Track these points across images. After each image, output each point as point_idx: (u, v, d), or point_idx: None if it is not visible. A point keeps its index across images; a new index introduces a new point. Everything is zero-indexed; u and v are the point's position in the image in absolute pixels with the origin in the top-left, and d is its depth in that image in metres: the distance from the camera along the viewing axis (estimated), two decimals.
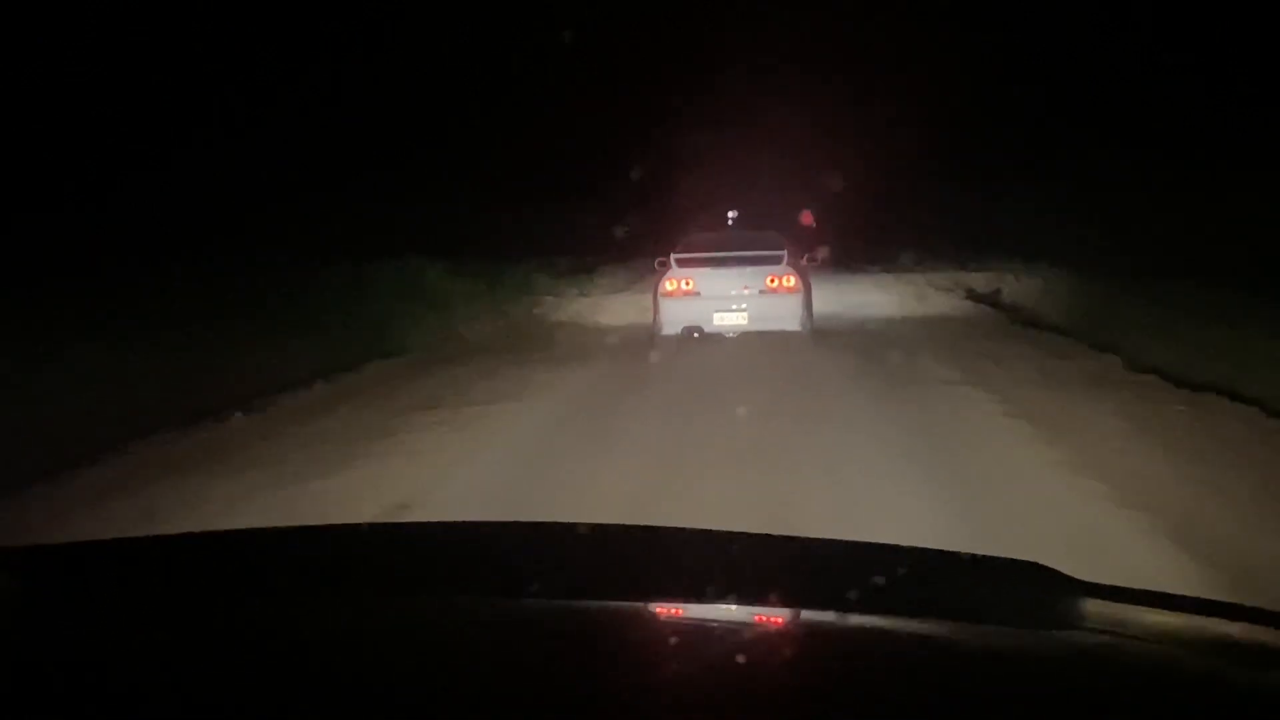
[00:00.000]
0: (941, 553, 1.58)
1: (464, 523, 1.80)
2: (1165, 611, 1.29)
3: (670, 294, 10.58)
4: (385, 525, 1.71)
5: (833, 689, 0.99)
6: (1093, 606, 1.30)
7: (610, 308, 15.51)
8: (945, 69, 21.44)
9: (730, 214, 30.54)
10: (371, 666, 1.04)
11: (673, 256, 10.77)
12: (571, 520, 1.62)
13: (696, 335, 10.47)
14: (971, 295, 16.02)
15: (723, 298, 10.43)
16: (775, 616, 1.26)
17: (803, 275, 10.74)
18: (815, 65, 30.27)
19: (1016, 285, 15.95)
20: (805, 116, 30.27)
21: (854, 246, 23.93)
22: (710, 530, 1.60)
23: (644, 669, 1.04)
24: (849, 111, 28.62)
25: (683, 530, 1.73)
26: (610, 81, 27.48)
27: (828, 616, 1.24)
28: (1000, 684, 1.04)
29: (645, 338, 10.86)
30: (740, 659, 1.07)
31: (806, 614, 1.25)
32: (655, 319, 10.74)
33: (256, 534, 1.84)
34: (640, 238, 26.79)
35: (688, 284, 10.54)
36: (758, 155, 31.49)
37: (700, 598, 1.29)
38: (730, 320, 10.44)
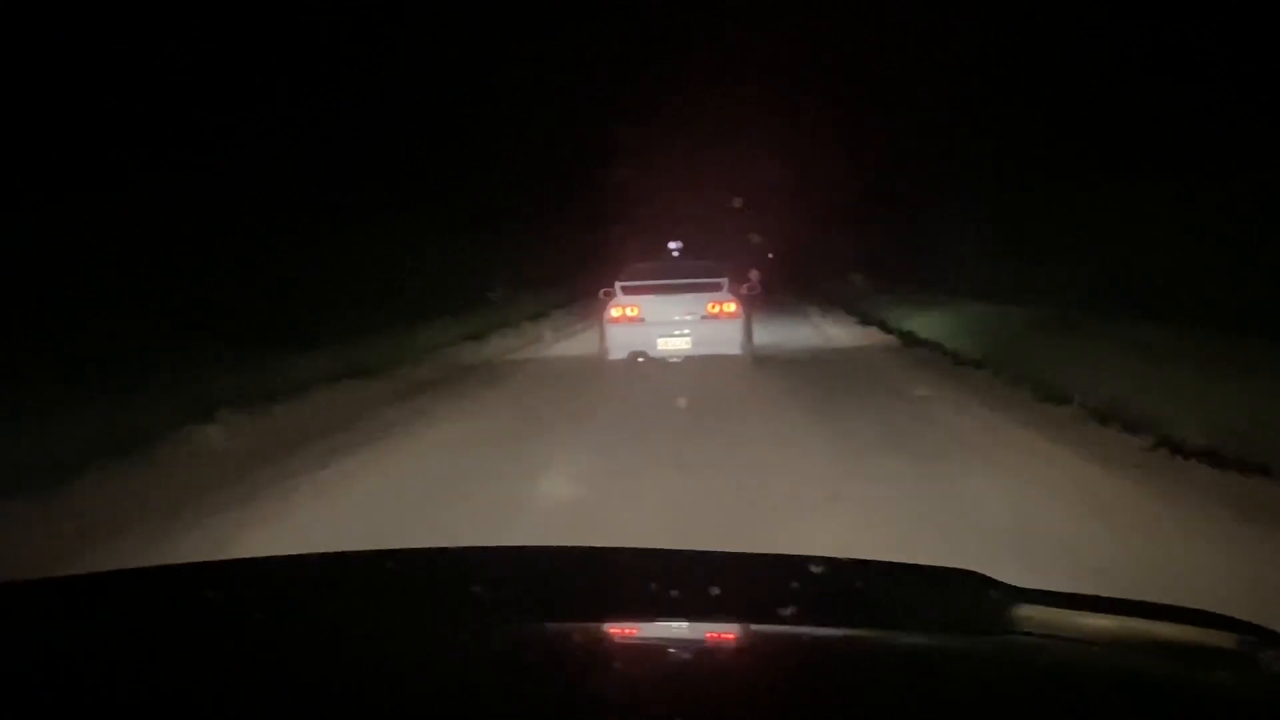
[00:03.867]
0: (878, 562, 1.61)
1: (419, 550, 1.80)
2: (1097, 614, 1.32)
3: (616, 320, 10.94)
4: (339, 555, 1.75)
5: (776, 700, 1.03)
6: (1026, 611, 1.33)
7: None
8: (891, 98, 20.64)
9: (673, 245, 30.21)
10: (334, 696, 1.05)
11: (618, 284, 11.14)
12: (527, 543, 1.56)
13: (641, 360, 10.83)
14: None
15: (666, 323, 10.82)
16: (721, 631, 1.29)
17: (743, 302, 11.17)
18: (751, 95, 29.96)
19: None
20: (743, 149, 30.22)
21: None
22: (657, 549, 1.64)
23: (598, 688, 1.06)
24: (791, 143, 28.27)
25: (632, 550, 1.76)
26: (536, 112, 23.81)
27: (770, 629, 1.26)
28: (938, 690, 1.07)
29: None
30: (689, 674, 1.11)
31: (750, 628, 1.28)
32: (602, 344, 11.09)
33: (231, 565, 1.84)
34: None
35: (633, 310, 10.90)
36: (694, 190, 30.94)
37: (648, 616, 1.33)
38: (674, 345, 10.82)
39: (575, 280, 22.99)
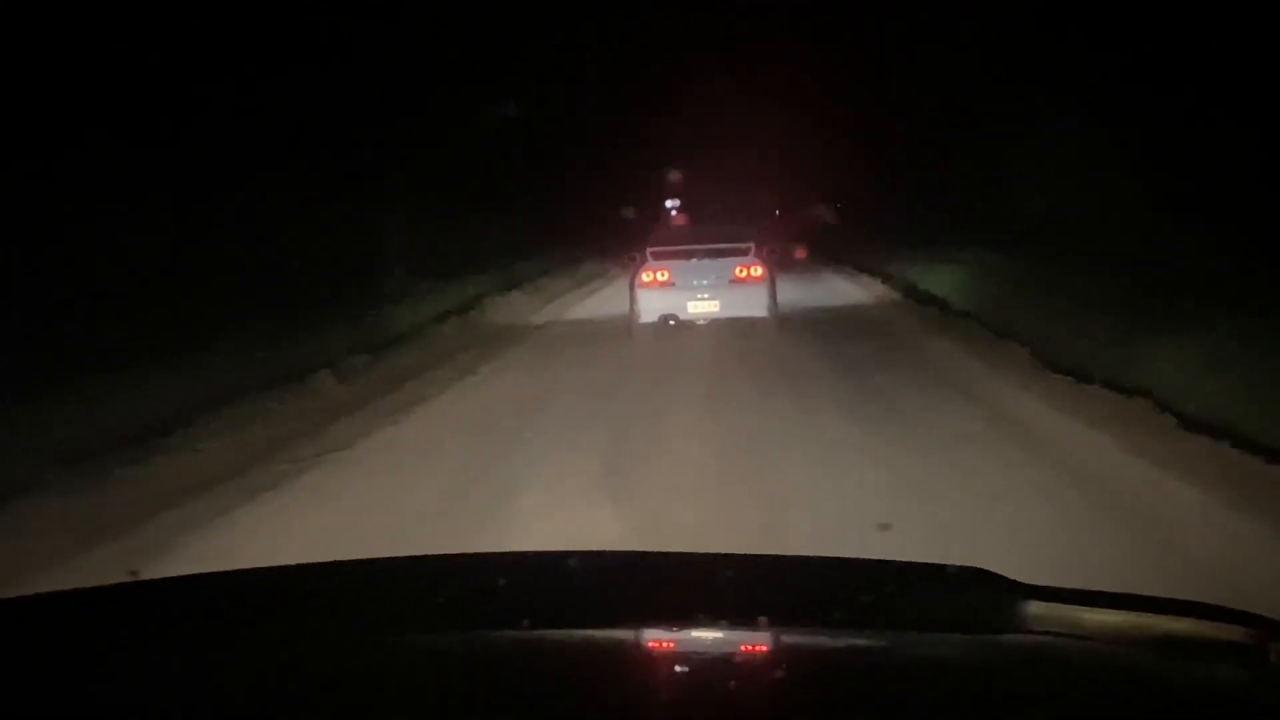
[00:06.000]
0: (890, 563, 1.64)
1: (439, 556, 1.81)
2: (1106, 610, 1.34)
3: (646, 285, 11.23)
4: (362, 561, 1.71)
5: (792, 703, 1.06)
6: (1037, 609, 1.35)
7: None
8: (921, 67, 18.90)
9: (670, 203, 29.67)
10: (354, 706, 1.07)
11: (648, 250, 11.50)
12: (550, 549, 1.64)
13: (671, 322, 11.23)
14: None
15: (695, 287, 11.13)
16: (735, 638, 1.32)
17: (769, 266, 11.49)
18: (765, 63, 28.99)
19: None
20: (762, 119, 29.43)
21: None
22: (668, 553, 1.70)
23: (623, 696, 1.09)
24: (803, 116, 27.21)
25: (642, 554, 1.81)
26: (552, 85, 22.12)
27: (787, 635, 1.30)
28: (954, 690, 1.10)
29: None
30: (700, 680, 1.15)
31: (766, 633, 1.31)
32: (632, 308, 11.36)
33: (238, 574, 1.83)
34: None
35: (663, 275, 11.24)
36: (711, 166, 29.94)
37: (661, 623, 1.36)
38: (703, 308, 11.15)
39: (514, 264, 18.54)
